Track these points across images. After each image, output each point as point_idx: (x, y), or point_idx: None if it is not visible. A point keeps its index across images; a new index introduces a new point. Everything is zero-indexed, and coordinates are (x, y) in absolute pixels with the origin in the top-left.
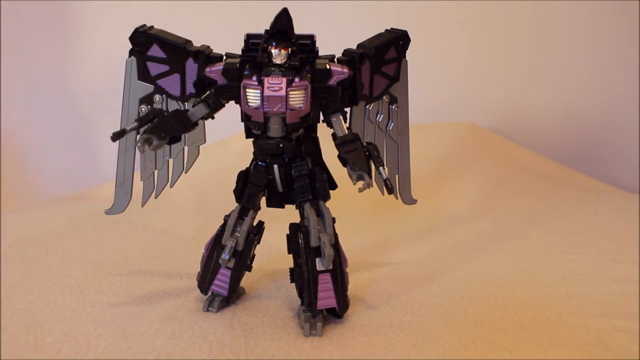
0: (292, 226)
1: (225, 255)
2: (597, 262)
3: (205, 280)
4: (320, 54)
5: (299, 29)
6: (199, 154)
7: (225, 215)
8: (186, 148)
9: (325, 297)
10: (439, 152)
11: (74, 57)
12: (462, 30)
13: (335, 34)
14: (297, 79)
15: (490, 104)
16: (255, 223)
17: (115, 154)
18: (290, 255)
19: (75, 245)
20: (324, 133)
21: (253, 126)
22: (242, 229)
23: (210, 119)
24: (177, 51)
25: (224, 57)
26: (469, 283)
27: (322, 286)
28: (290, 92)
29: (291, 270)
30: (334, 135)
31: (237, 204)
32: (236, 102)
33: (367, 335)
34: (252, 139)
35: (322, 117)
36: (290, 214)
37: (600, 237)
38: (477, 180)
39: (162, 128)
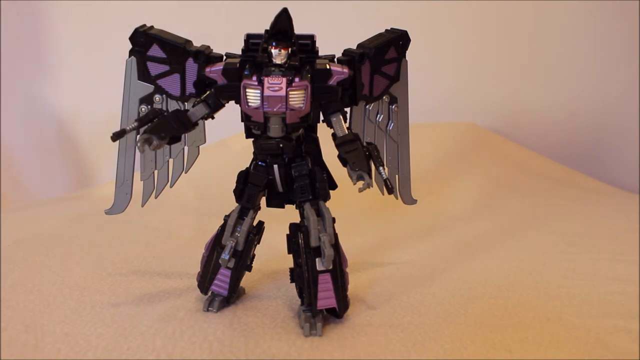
0: (292, 226)
1: (225, 255)
2: (597, 262)
3: (205, 280)
4: (320, 54)
5: (299, 29)
6: (199, 154)
7: (225, 215)
8: (186, 148)
9: (325, 297)
10: (439, 152)
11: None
12: (462, 30)
13: (335, 34)
14: (297, 79)
15: (490, 104)
16: (255, 223)
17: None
18: (290, 255)
19: (75, 245)
20: (324, 133)
21: (253, 126)
22: (242, 229)
23: (210, 119)
24: (177, 51)
25: (224, 57)
26: (469, 283)
27: (322, 286)
28: (290, 92)
29: (291, 270)
30: (334, 135)
31: (237, 204)
32: (236, 102)
33: (367, 335)
34: (252, 139)
35: (322, 117)
36: (290, 214)
37: (600, 237)
38: (477, 180)
39: (162, 128)
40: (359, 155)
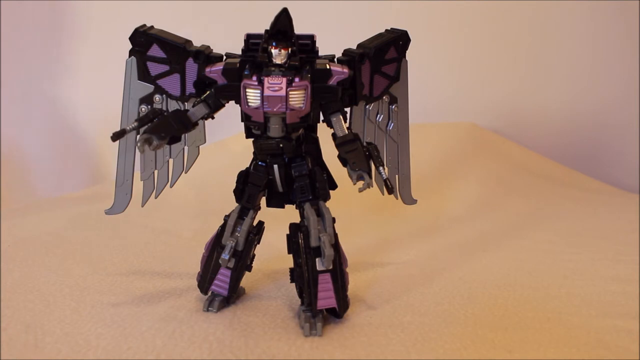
0: (292, 226)
1: (225, 255)
2: (597, 262)
3: (205, 280)
4: (320, 54)
5: (299, 29)
6: (199, 154)
7: (225, 215)
8: (186, 148)
9: (325, 297)
10: (439, 152)
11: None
12: (462, 30)
13: (335, 34)
14: (297, 79)
15: (490, 104)
16: (255, 223)
17: (113, 155)
18: (290, 255)
19: (75, 245)
20: (324, 133)
21: (253, 126)
22: (242, 229)
23: (210, 119)
24: (177, 51)
25: (224, 57)
26: (469, 283)
27: (322, 286)
28: (290, 92)
29: (291, 270)
30: (334, 135)
31: (237, 204)
32: (236, 102)
33: (367, 335)
34: (252, 139)
35: (322, 117)
36: (290, 214)
37: (600, 237)
38: (477, 180)
39: (162, 128)
40: (359, 155)
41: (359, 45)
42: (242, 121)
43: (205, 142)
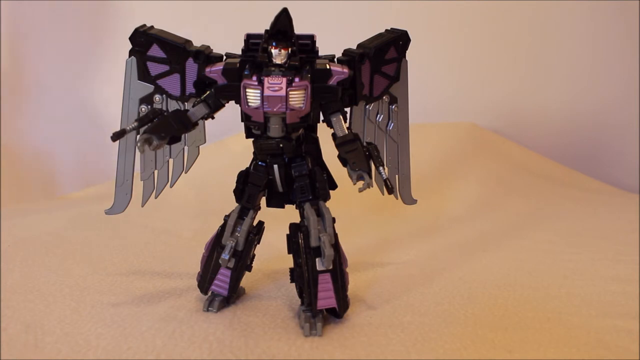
0: (292, 226)
1: (225, 255)
2: (597, 262)
3: (205, 280)
4: (320, 54)
5: (299, 29)
6: (199, 154)
7: (225, 215)
8: (186, 148)
9: (325, 297)
10: (439, 152)
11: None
12: (462, 30)
13: (335, 34)
14: (297, 79)
15: (490, 104)
16: (255, 223)
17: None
18: (290, 255)
19: (75, 245)
20: (324, 133)
21: (253, 126)
22: (242, 229)
23: (210, 119)
24: (177, 51)
25: (224, 57)
26: (469, 283)
27: (322, 286)
28: (290, 92)
29: (291, 270)
30: (334, 135)
31: (237, 204)
32: (236, 102)
33: (367, 335)
34: (252, 139)
35: (322, 117)
36: (290, 214)
37: (600, 237)
38: (477, 180)
39: (162, 128)
40: (359, 155)
41: (359, 45)
42: (242, 121)
43: (205, 142)
